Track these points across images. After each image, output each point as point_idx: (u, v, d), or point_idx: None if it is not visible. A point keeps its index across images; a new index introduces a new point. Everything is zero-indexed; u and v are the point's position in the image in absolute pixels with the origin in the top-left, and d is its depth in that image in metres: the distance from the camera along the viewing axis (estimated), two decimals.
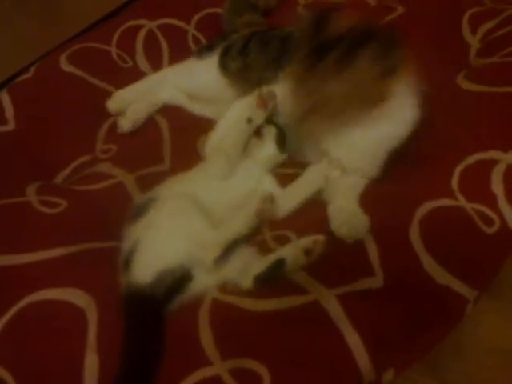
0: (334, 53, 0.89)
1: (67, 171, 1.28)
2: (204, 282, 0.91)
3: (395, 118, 0.98)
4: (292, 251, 0.90)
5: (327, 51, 0.89)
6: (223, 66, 1.29)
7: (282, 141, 1.08)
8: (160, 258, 0.89)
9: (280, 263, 0.89)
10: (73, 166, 1.29)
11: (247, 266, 0.91)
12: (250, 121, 1.03)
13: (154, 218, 0.93)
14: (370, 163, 1.03)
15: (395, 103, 0.95)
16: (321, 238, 0.90)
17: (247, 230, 0.93)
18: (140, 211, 0.96)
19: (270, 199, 0.96)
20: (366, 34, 0.89)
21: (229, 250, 0.90)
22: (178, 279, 0.88)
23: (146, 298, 0.86)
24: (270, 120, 1.07)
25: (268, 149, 1.08)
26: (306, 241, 0.90)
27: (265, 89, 1.05)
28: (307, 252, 0.89)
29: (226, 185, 1.04)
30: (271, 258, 0.90)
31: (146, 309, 0.86)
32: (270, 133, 1.08)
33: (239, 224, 0.93)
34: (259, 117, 1.04)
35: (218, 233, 0.91)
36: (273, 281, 0.89)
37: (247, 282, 0.89)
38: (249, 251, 0.95)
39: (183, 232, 0.91)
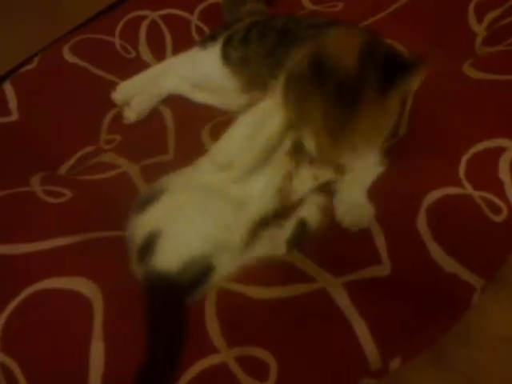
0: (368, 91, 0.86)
1: (71, 162, 1.27)
2: (227, 267, 0.91)
3: None
4: (307, 209, 0.96)
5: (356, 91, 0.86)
6: (225, 56, 1.28)
7: None
8: (188, 245, 0.89)
9: (302, 223, 0.94)
10: (77, 156, 1.29)
11: (273, 237, 0.94)
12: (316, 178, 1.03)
13: (174, 206, 0.93)
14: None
15: None
16: (322, 193, 0.99)
17: (270, 209, 0.96)
18: (149, 200, 0.95)
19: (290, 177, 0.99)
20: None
21: (256, 230, 0.93)
22: (204, 269, 0.89)
23: (170, 287, 0.87)
24: None
25: None
26: (314, 196, 0.98)
27: None
28: (318, 205, 0.97)
29: None
30: (293, 221, 0.95)
31: (171, 297, 0.86)
32: None
33: (262, 203, 0.96)
34: None
35: (242, 213, 0.94)
36: (303, 240, 0.94)
37: (282, 249, 0.93)
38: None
39: (208, 218, 0.92)
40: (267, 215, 0.96)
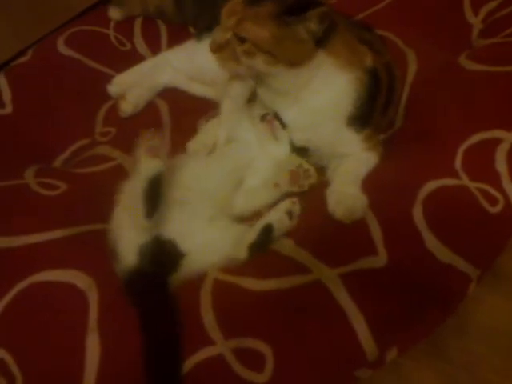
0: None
1: (66, 154, 1.28)
2: (200, 259, 0.91)
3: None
4: (276, 215, 0.95)
5: None
6: None
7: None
8: (130, 236, 0.88)
9: (268, 228, 0.93)
10: (72, 149, 1.29)
11: (240, 239, 0.93)
12: (277, 185, 1.03)
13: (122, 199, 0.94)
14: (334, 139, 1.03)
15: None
16: (295, 199, 0.98)
17: None
18: None
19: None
20: None
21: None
22: (169, 253, 0.88)
23: (142, 278, 0.86)
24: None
25: (281, 149, 1.07)
26: (286, 203, 0.97)
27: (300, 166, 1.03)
28: (289, 213, 0.95)
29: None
30: (259, 225, 0.93)
31: (148, 288, 0.86)
32: (285, 137, 1.05)
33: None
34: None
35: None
36: (265, 247, 0.92)
37: (242, 253, 0.91)
38: (242, 227, 0.98)
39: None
40: None
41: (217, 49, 0.96)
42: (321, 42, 0.93)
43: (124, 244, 0.88)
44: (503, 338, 0.95)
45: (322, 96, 0.98)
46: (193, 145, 1.11)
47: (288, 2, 0.90)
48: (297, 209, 0.97)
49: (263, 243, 0.92)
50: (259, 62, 0.93)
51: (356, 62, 0.99)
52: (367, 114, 1.01)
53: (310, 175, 1.02)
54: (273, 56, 0.92)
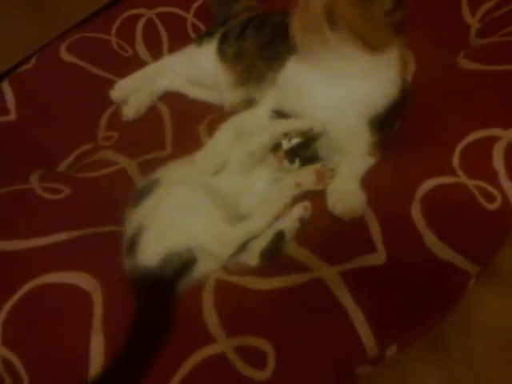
0: None
1: (70, 159, 1.29)
2: (209, 264, 0.92)
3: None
4: (288, 221, 0.94)
5: None
6: (221, 52, 1.29)
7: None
8: (167, 241, 0.89)
9: (280, 235, 0.92)
10: (75, 153, 1.30)
11: (250, 245, 0.92)
12: (298, 185, 1.01)
13: (161, 201, 0.93)
14: (354, 134, 1.02)
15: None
16: (307, 203, 0.97)
17: (265, 230, 0.94)
18: (143, 194, 0.96)
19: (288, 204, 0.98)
20: None
21: (243, 246, 0.92)
22: (185, 262, 0.89)
23: (153, 281, 0.87)
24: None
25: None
26: (299, 209, 0.96)
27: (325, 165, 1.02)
28: (300, 219, 0.95)
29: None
30: (270, 232, 0.93)
31: (154, 290, 0.87)
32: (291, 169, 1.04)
33: (259, 224, 0.94)
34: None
35: (236, 230, 0.92)
36: (277, 254, 0.92)
37: (254, 260, 0.91)
38: None
39: (195, 219, 0.91)
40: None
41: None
42: (401, 27, 0.93)
43: (153, 244, 0.89)
44: (504, 334, 0.96)
45: (362, 85, 0.98)
46: (201, 161, 1.06)
47: None
48: (308, 214, 0.97)
49: (275, 249, 0.92)
50: (339, 38, 0.91)
51: (403, 74, 1.01)
52: (384, 121, 1.02)
53: (334, 174, 1.01)
54: (354, 34, 0.90)
